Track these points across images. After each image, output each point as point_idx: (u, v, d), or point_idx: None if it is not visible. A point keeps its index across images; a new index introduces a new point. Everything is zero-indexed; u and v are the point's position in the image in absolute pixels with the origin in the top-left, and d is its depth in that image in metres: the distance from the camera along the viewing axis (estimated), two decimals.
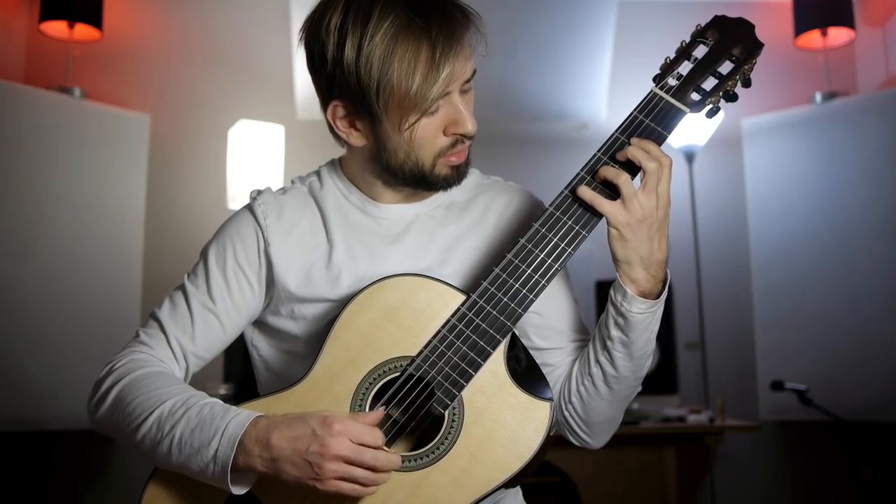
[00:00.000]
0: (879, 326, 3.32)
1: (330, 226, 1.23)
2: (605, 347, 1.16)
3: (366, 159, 1.22)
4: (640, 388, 1.22)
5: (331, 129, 1.20)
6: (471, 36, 1.13)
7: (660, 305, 1.13)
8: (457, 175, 1.20)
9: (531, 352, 1.24)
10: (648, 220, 1.08)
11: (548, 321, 1.25)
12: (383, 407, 1.07)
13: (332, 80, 1.13)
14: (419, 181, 1.19)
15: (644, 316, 1.12)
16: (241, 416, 1.04)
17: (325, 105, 1.18)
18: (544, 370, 1.23)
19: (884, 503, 3.06)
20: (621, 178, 1.07)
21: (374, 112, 1.12)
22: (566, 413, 1.21)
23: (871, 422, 3.27)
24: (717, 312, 3.72)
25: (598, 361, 1.17)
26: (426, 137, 1.14)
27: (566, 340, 1.25)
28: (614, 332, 1.14)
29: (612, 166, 1.10)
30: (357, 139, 1.19)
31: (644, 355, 1.17)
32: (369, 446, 1.00)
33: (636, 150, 1.08)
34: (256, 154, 3.53)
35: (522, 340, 1.26)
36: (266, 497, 1.08)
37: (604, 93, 3.86)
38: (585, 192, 1.09)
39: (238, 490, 1.05)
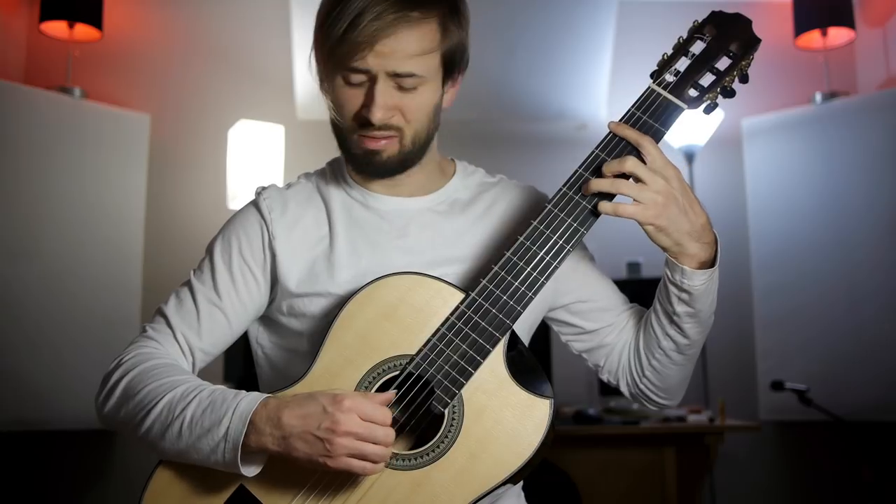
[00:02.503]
0: (879, 326, 3.32)
1: (334, 220, 1.24)
2: (672, 322, 1.19)
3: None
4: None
5: None
6: (402, 31, 1.11)
7: (717, 268, 1.15)
8: (369, 163, 1.19)
9: (583, 337, 1.30)
10: (670, 198, 1.08)
11: (594, 304, 1.29)
12: (395, 390, 1.07)
13: (315, 37, 1.19)
14: (346, 153, 1.22)
15: (706, 285, 1.15)
16: (251, 396, 1.05)
17: None
18: (602, 352, 1.29)
19: (884, 503, 3.06)
20: (619, 186, 1.08)
21: (325, 65, 1.17)
22: (641, 387, 1.27)
23: (871, 422, 3.27)
24: (717, 312, 3.69)
25: (667, 335, 1.20)
26: (341, 105, 1.17)
27: (614, 315, 1.29)
28: (680, 308, 1.17)
29: (603, 177, 1.09)
30: (324, 94, 1.22)
31: (710, 315, 1.21)
32: (378, 424, 1.01)
33: (608, 167, 1.08)
34: (256, 154, 3.53)
35: (572, 329, 1.30)
36: (266, 497, 1.08)
37: (603, 93, 3.86)
38: (606, 207, 1.08)
39: (248, 471, 1.05)
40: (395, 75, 1.13)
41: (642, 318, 1.28)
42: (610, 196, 1.09)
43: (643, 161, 1.08)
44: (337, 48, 1.12)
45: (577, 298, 1.28)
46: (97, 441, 3.53)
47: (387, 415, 1.02)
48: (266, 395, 1.06)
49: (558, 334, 1.35)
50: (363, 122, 1.16)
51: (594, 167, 1.11)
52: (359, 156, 1.20)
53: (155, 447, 1.10)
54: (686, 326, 1.19)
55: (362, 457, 1.01)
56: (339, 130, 1.21)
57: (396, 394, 1.07)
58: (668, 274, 1.16)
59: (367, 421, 1.00)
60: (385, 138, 1.18)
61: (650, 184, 1.07)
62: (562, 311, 1.30)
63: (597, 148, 1.12)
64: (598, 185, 1.08)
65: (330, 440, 0.99)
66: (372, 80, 1.14)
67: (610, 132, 1.12)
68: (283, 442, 1.02)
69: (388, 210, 1.25)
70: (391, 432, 1.02)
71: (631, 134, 1.09)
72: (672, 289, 1.16)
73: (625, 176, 1.09)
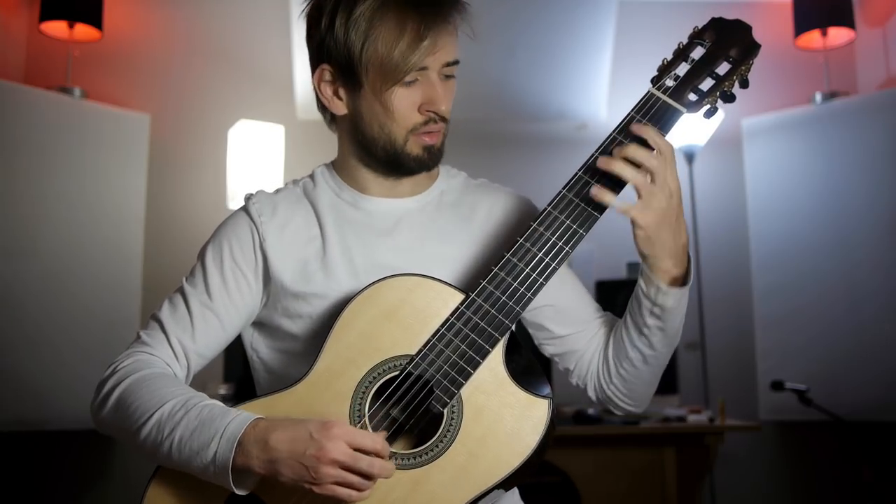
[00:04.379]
0: (879, 326, 3.32)
1: (323, 221, 1.25)
2: (641, 334, 1.19)
3: (348, 140, 1.25)
4: None
5: (318, 98, 1.25)
6: (457, 19, 1.17)
7: (688, 288, 1.16)
8: (428, 157, 1.22)
9: (554, 341, 1.30)
10: (669, 212, 1.09)
11: (562, 309, 1.29)
12: (384, 431, 1.08)
13: (322, 45, 1.19)
14: (392, 158, 1.21)
15: (678, 303, 1.16)
16: (241, 418, 1.05)
17: (314, 70, 1.23)
18: (573, 356, 1.29)
19: (884, 503, 3.06)
20: (638, 180, 1.07)
21: (357, 76, 1.17)
22: (609, 392, 1.27)
23: (871, 422, 3.27)
24: (717, 312, 3.72)
25: (635, 346, 1.21)
26: (400, 109, 1.17)
27: (585, 322, 1.29)
28: (650, 321, 1.17)
29: (621, 161, 1.08)
30: (339, 107, 1.23)
31: (678, 330, 1.21)
32: (367, 451, 1.01)
33: (634, 151, 1.08)
34: (256, 154, 3.53)
35: (544, 333, 1.31)
36: (267, 496, 1.09)
37: (604, 93, 3.86)
38: (616, 203, 1.08)
39: (241, 490, 1.05)
40: (446, 65, 1.17)
41: (613, 326, 1.28)
42: (614, 183, 1.09)
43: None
44: (410, 56, 1.13)
45: (551, 302, 1.28)
46: (97, 441, 3.53)
47: (376, 441, 1.01)
48: (256, 416, 1.05)
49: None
50: (430, 118, 1.18)
51: (595, 169, 1.11)
52: (419, 155, 1.21)
53: (149, 459, 1.11)
54: (654, 339, 1.19)
55: (348, 485, 1.00)
56: (388, 138, 1.20)
57: (387, 434, 1.07)
58: (643, 287, 1.17)
59: (356, 449, 1.00)
60: (439, 131, 1.21)
61: (660, 191, 1.07)
62: (535, 314, 1.30)
63: (596, 151, 1.12)
64: (610, 164, 1.08)
65: (315, 468, 0.99)
66: (426, 75, 1.16)
67: (611, 135, 1.12)
68: (268, 465, 1.01)
69: (377, 210, 1.27)
70: (376, 461, 1.01)
71: (656, 138, 1.08)
72: (645, 302, 1.17)
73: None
